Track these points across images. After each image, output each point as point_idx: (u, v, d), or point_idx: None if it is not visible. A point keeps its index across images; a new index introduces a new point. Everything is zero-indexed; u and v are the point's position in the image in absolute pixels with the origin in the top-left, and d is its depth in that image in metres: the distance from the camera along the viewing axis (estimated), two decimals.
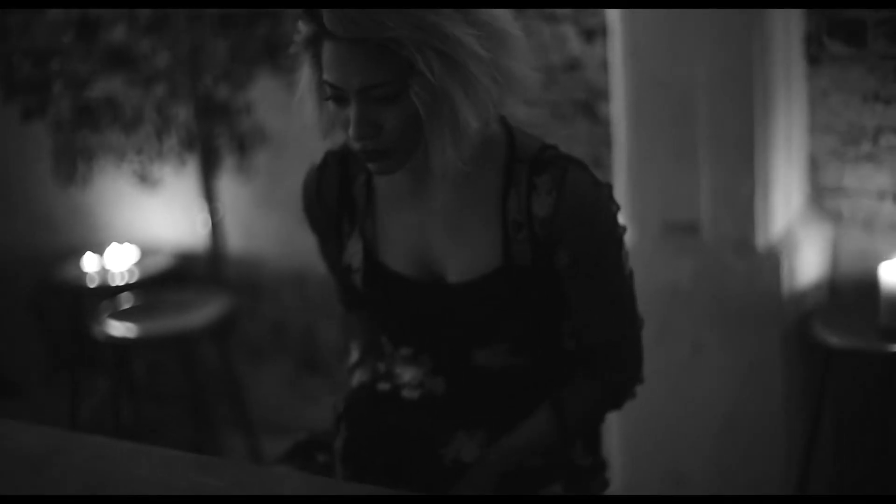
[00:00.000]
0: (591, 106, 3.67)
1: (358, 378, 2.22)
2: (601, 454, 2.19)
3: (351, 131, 1.84)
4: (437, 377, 2.08)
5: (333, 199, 2.10)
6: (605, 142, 3.56)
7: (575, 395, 2.05)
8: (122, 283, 4.28)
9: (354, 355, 2.27)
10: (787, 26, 3.24)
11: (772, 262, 3.17)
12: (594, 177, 1.97)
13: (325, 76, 1.85)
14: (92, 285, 4.29)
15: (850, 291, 3.43)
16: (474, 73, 1.80)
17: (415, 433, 2.07)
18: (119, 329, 3.92)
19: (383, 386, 2.15)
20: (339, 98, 1.85)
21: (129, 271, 4.34)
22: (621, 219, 2.02)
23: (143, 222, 4.64)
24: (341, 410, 2.17)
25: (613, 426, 3.34)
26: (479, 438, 2.05)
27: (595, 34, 3.60)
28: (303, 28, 1.88)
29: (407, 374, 2.11)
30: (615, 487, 3.31)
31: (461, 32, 1.78)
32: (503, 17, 1.87)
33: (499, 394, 2.06)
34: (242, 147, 4.39)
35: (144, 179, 4.61)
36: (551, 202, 1.92)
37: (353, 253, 2.08)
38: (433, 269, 2.02)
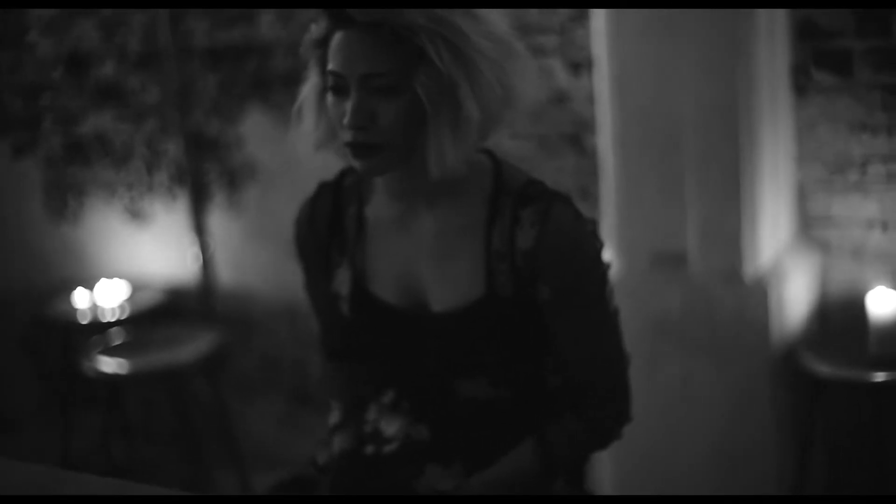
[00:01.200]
0: (578, 138, 3.69)
1: (339, 443, 2.18)
2: (585, 488, 2.18)
3: (346, 119, 1.85)
4: (420, 424, 2.07)
5: (325, 229, 2.11)
6: (593, 174, 3.57)
7: (560, 433, 2.03)
8: (112, 319, 4.28)
9: (336, 415, 2.22)
10: (773, 57, 3.26)
11: (760, 292, 3.18)
12: (578, 212, 1.98)
13: (330, 66, 1.88)
14: (83, 321, 4.29)
15: (839, 320, 3.44)
16: (480, 68, 1.84)
17: (397, 479, 2.07)
18: (110, 365, 3.92)
19: (368, 449, 2.12)
20: (340, 88, 1.87)
21: (120, 307, 4.34)
22: (607, 254, 2.02)
23: (133, 257, 4.64)
24: (328, 481, 2.15)
25: (603, 456, 3.34)
26: (454, 470, 2.04)
27: (581, 67, 3.62)
28: (315, 28, 1.92)
29: (391, 427, 2.10)
30: None
31: (471, 29, 1.83)
32: (511, 34, 1.91)
33: (480, 429, 2.05)
34: (233, 182, 4.40)
35: (135, 214, 4.62)
36: (534, 235, 1.93)
37: (342, 281, 2.08)
38: (418, 297, 2.02)
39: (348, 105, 1.86)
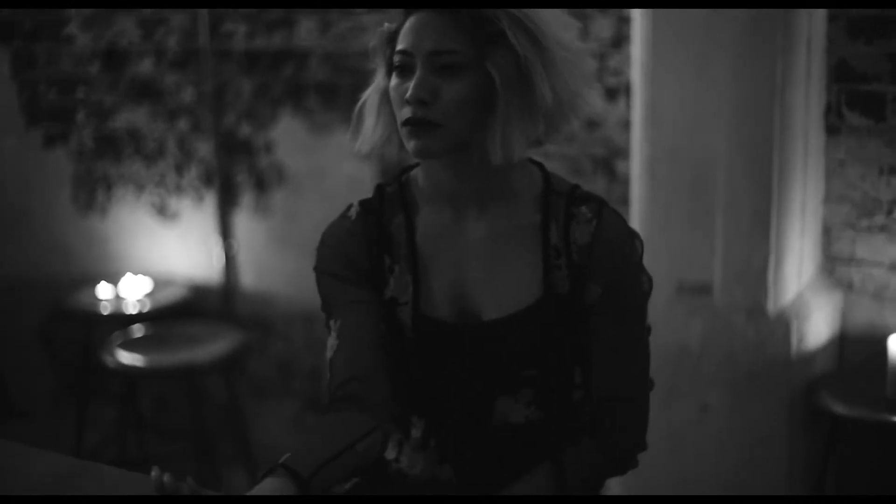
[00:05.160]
0: (609, 163, 3.70)
1: (355, 483, 2.11)
2: None
3: (409, 94, 1.85)
4: (444, 465, 2.04)
5: (374, 239, 2.02)
6: (623, 199, 3.58)
7: (577, 456, 2.00)
8: (134, 313, 4.30)
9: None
10: (808, 98, 3.27)
11: (782, 327, 3.19)
12: (623, 218, 2.01)
13: (399, 47, 1.89)
14: (104, 314, 4.32)
15: (858, 361, 3.44)
16: (555, 60, 1.86)
17: None
18: (128, 359, 3.94)
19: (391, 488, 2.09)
20: (406, 67, 1.88)
21: (142, 302, 4.36)
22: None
23: (158, 254, 4.67)
24: None
25: (616, 486, 3.34)
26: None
27: (617, 93, 3.63)
28: (387, 25, 1.94)
29: (415, 467, 2.07)
30: None
31: (549, 26, 1.86)
32: (583, 48, 1.94)
33: (506, 462, 2.01)
34: (261, 185, 4.43)
35: (162, 211, 4.64)
36: (590, 231, 1.94)
37: (403, 284, 2.00)
38: (470, 308, 1.98)
39: (411, 83, 1.86)
